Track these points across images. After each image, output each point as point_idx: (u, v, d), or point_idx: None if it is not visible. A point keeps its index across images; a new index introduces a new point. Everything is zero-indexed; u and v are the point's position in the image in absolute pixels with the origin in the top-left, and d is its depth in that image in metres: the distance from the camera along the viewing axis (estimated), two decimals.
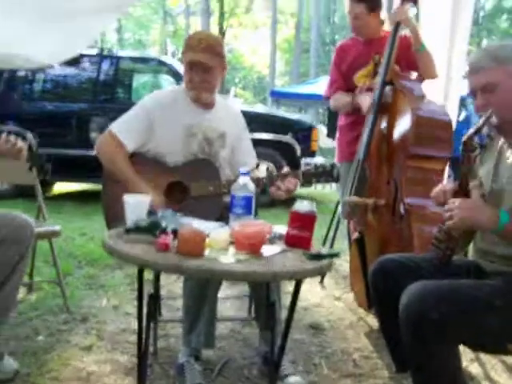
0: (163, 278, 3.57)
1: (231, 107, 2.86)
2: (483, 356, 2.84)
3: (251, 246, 1.87)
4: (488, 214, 1.87)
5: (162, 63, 7.93)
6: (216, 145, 2.72)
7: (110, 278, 3.90)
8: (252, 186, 2.15)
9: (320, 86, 16.51)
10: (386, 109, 3.18)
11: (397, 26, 3.21)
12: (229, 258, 1.80)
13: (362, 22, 3.44)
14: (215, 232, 1.93)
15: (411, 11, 3.25)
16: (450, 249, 2.11)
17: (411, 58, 3.31)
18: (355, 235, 3.18)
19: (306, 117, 8.60)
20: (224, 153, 2.75)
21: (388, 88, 3.18)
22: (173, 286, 3.69)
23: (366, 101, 3.29)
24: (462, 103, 5.93)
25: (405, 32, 3.30)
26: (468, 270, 2.18)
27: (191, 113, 2.68)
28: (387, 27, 3.41)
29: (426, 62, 3.29)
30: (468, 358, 2.82)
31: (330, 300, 3.73)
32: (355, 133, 3.40)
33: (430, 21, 3.89)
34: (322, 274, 1.91)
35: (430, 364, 1.91)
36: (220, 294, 3.33)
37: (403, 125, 3.02)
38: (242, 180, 2.14)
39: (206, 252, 1.82)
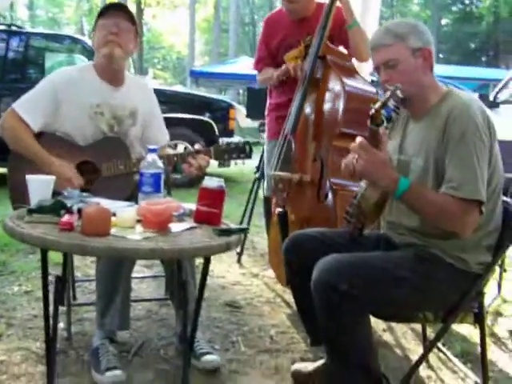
0: (79, 259, 3.49)
1: (142, 83, 2.79)
2: (394, 324, 2.93)
3: (158, 223, 1.83)
4: (389, 176, 1.92)
5: (76, 42, 7.66)
6: (126, 123, 2.65)
7: (23, 263, 3.76)
8: (160, 163, 2.11)
9: (240, 65, 16.54)
10: (315, 85, 3.12)
11: (332, 1, 3.11)
12: (135, 236, 1.76)
13: (297, 4, 3.32)
14: (121, 210, 1.88)
15: None
16: (360, 222, 2.15)
17: (344, 34, 3.22)
18: (278, 210, 3.18)
19: (224, 96, 8.59)
20: (135, 130, 2.69)
21: (320, 64, 3.12)
22: (88, 268, 3.60)
23: (282, 68, 3.24)
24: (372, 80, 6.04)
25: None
26: (379, 242, 2.23)
27: (99, 91, 2.60)
28: None
29: (358, 39, 3.17)
30: (380, 328, 2.90)
31: (247, 278, 3.74)
32: (285, 112, 3.31)
33: None
34: (229, 249, 1.90)
35: (341, 335, 1.95)
36: (137, 275, 3.29)
37: (333, 103, 2.99)
38: (151, 157, 2.09)
39: (112, 231, 1.77)
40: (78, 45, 7.55)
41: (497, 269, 2.15)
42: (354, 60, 3.47)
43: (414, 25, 2.07)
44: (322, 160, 2.97)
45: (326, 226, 2.75)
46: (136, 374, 2.38)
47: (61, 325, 2.62)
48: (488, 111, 2.00)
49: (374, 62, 2.09)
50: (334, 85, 3.02)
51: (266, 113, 3.74)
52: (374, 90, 3.08)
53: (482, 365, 2.16)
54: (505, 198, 2.10)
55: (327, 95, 3.07)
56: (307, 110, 3.19)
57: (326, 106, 3.07)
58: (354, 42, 3.20)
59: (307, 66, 3.13)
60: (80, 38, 7.97)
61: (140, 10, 25.76)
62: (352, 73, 3.15)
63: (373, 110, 1.88)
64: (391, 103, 1.87)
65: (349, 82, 2.98)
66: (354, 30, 3.19)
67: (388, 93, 1.89)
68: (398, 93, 1.89)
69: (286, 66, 3.26)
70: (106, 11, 2.58)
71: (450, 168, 1.92)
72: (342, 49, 3.32)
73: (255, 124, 7.46)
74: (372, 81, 4.83)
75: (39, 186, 1.97)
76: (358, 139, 1.93)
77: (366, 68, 3.89)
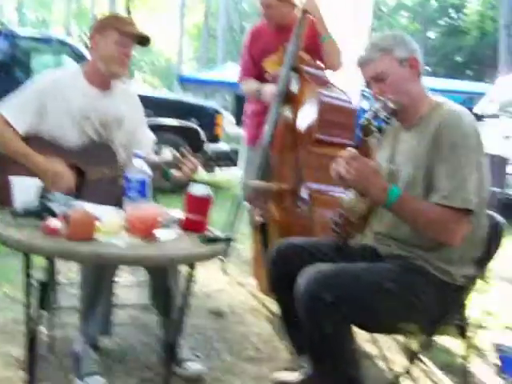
0: (61, 263, 3.44)
1: (128, 90, 2.77)
2: (378, 336, 2.93)
3: (144, 229, 1.82)
4: (379, 186, 1.92)
5: (63, 44, 7.61)
6: (112, 129, 2.63)
7: (2, 265, 3.71)
8: (147, 169, 2.10)
9: (227, 72, 16.53)
10: (291, 97, 3.20)
11: (304, 14, 3.22)
12: (120, 243, 1.74)
13: (274, 10, 3.41)
14: (107, 216, 1.87)
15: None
16: (347, 232, 2.15)
17: (318, 46, 3.33)
18: (258, 220, 3.19)
19: (210, 102, 8.53)
20: (120, 137, 2.66)
21: (295, 75, 3.20)
22: (71, 272, 3.56)
23: (269, 91, 3.31)
24: (363, 93, 6.13)
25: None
26: (364, 253, 2.22)
27: (87, 95, 2.57)
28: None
29: (330, 51, 3.32)
30: (364, 339, 2.90)
31: (231, 285, 3.73)
32: (263, 118, 3.38)
33: (331, 12, 3.95)
34: (215, 257, 1.89)
35: (325, 345, 1.94)
36: (121, 280, 3.26)
37: (309, 111, 3.05)
38: (137, 163, 2.08)
39: (98, 236, 1.76)
40: (65, 47, 7.50)
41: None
42: (344, 73, 3.54)
43: (398, 36, 2.10)
44: (300, 167, 3.02)
45: (304, 232, 2.77)
46: (118, 381, 2.35)
47: (42, 329, 2.58)
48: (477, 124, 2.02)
49: (364, 77, 2.11)
50: (309, 94, 3.09)
51: (245, 119, 3.81)
52: (347, 98, 3.16)
53: (464, 377, 2.16)
54: (492, 213, 2.11)
55: (303, 104, 3.13)
56: (284, 118, 3.23)
57: (303, 115, 3.12)
58: (327, 54, 3.34)
59: (282, 77, 3.20)
60: (68, 40, 7.91)
61: (128, 14, 25.72)
62: (326, 82, 3.25)
63: (364, 121, 1.89)
64: (382, 114, 1.88)
65: (323, 90, 3.07)
66: (327, 42, 3.30)
67: (379, 104, 1.90)
68: (389, 104, 1.90)
69: (263, 91, 3.35)
70: (126, 28, 2.53)
71: (440, 177, 1.93)
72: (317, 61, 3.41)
73: (241, 131, 7.46)
74: (363, 95, 4.91)
75: (24, 188, 1.95)
76: (349, 149, 1.94)
77: (355, 84, 3.97)
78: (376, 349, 2.85)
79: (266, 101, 3.37)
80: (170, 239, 1.89)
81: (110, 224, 1.83)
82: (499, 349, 2.55)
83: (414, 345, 2.59)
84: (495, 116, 7.47)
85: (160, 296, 2.48)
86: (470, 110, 7.82)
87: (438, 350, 2.81)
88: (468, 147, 1.92)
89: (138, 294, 3.35)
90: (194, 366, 2.44)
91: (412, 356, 2.21)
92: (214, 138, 7.24)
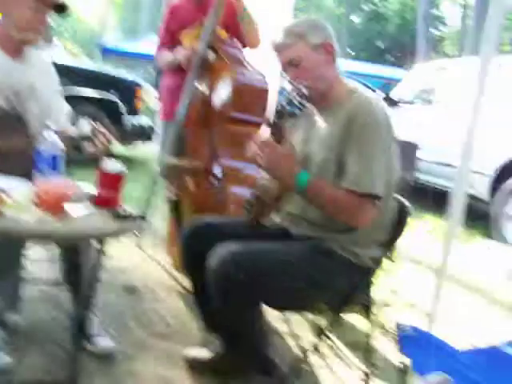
0: None
1: (43, 58, 2.67)
2: (290, 315, 2.99)
3: (54, 204, 1.77)
4: (290, 172, 1.96)
5: None
6: (25, 98, 2.52)
7: None
8: (59, 143, 2.04)
9: (150, 44, 16.21)
10: (207, 72, 3.21)
11: None
12: (29, 218, 1.69)
13: None
14: (16, 189, 1.81)
15: None
16: (259, 212, 2.19)
17: (237, 26, 3.36)
18: (172, 197, 3.19)
19: (131, 75, 8.26)
20: (33, 107, 2.56)
21: (211, 53, 3.23)
22: None
23: (185, 54, 3.33)
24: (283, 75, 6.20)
25: None
26: (277, 233, 2.26)
27: None
28: None
29: (248, 30, 3.37)
30: (277, 319, 2.96)
31: (146, 262, 3.71)
32: (179, 93, 3.39)
33: None
34: (125, 234, 1.89)
35: (235, 323, 1.99)
36: (31, 254, 3.17)
37: (224, 89, 3.08)
38: (49, 136, 2.03)
39: (5, 211, 1.70)
40: None
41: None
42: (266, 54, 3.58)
43: (312, 22, 2.14)
44: (214, 144, 3.06)
45: (218, 209, 2.80)
46: (26, 359, 2.30)
47: None
48: (388, 110, 2.08)
49: (279, 62, 2.14)
50: (225, 72, 3.12)
51: (161, 93, 3.80)
52: (262, 77, 3.21)
53: (367, 353, 2.26)
54: (399, 197, 2.19)
55: (218, 81, 3.16)
56: (199, 97, 3.26)
57: (217, 94, 3.15)
58: (246, 32, 3.39)
59: (198, 52, 3.24)
60: None
61: None
62: (242, 61, 3.28)
63: (277, 106, 1.92)
64: (296, 99, 1.91)
65: (238, 69, 3.13)
66: (246, 21, 3.37)
67: (293, 89, 1.93)
68: (303, 89, 1.93)
69: (179, 57, 3.37)
70: None
71: (349, 163, 1.98)
72: (235, 40, 3.45)
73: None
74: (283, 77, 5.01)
75: None
76: (263, 135, 1.96)
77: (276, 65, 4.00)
78: (287, 327, 2.92)
79: (183, 65, 3.36)
80: (81, 215, 1.85)
81: (18, 198, 1.77)
82: (399, 327, 2.67)
83: (322, 322, 2.69)
84: (410, 102, 7.69)
85: (71, 271, 2.43)
86: (388, 95, 8.03)
87: (344, 328, 2.91)
88: (377, 133, 1.98)
89: (48, 268, 3.27)
90: (104, 343, 2.42)
91: (319, 333, 2.27)
92: (134, 111, 7.09)
